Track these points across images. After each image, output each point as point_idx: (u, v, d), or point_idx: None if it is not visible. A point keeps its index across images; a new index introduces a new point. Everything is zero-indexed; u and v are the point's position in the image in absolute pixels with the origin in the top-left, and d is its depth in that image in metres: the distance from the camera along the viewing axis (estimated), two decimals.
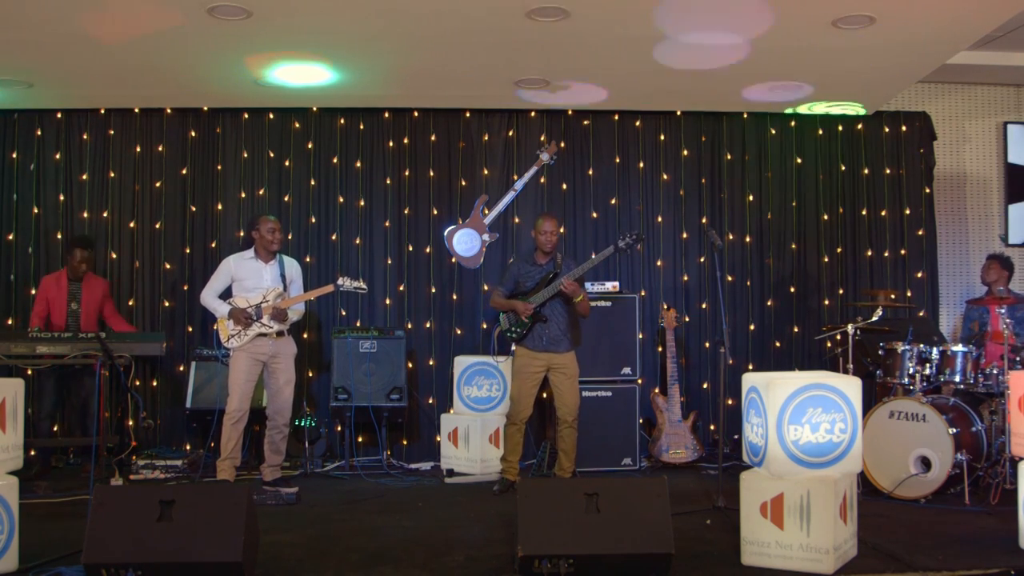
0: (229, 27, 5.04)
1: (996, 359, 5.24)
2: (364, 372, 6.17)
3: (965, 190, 7.39)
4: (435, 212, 6.85)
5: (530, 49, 5.50)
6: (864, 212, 7.11)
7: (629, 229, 6.75)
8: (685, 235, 7.02)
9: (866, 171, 7.13)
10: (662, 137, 7.05)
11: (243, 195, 6.78)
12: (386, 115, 6.87)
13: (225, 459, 5.41)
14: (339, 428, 6.43)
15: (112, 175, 6.72)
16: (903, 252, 7.08)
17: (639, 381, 6.21)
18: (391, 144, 6.87)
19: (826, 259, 7.09)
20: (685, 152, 7.06)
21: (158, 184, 6.73)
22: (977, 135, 7.41)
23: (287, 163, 6.82)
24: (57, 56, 5.54)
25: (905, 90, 7.00)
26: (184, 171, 6.76)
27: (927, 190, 7.14)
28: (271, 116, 6.81)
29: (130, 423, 6.11)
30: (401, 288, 6.80)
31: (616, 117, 6.99)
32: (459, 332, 6.80)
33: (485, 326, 6.79)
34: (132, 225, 6.71)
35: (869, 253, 7.10)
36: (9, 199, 6.63)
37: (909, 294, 7.02)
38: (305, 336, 6.63)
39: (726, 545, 4.01)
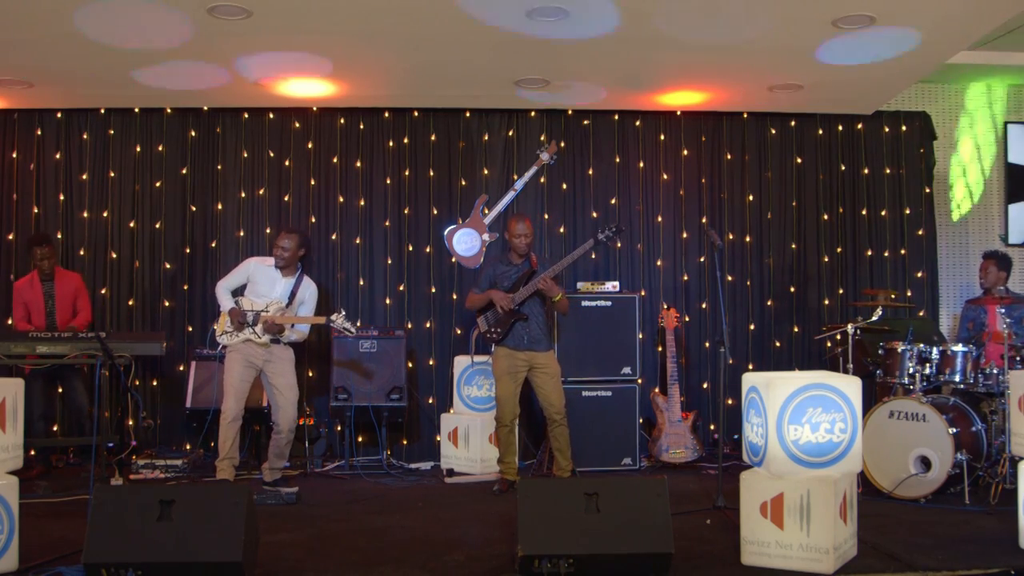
0: (229, 27, 5.04)
1: (996, 359, 5.24)
2: (364, 372, 6.17)
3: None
4: (435, 212, 6.85)
5: (530, 49, 5.50)
6: (864, 212, 7.12)
7: (630, 228, 6.79)
8: (685, 235, 7.02)
9: (866, 171, 7.13)
10: (662, 137, 7.05)
11: (243, 195, 6.78)
12: (386, 115, 6.87)
13: (224, 459, 5.41)
14: (339, 428, 6.43)
15: (112, 175, 6.72)
16: (903, 252, 7.08)
17: (639, 381, 6.20)
18: (391, 144, 6.87)
19: (826, 259, 7.09)
20: (685, 152, 7.06)
21: (158, 184, 6.73)
22: (977, 135, 7.40)
23: (287, 163, 6.82)
24: (57, 56, 5.54)
25: (905, 90, 7.00)
26: (184, 171, 6.76)
27: (927, 190, 7.14)
28: (271, 116, 6.81)
29: (130, 423, 6.11)
30: (401, 288, 6.80)
31: (616, 117, 6.99)
32: (459, 332, 6.79)
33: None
34: (132, 225, 6.71)
35: (869, 253, 7.10)
36: (9, 199, 6.64)
37: (909, 294, 7.02)
38: None
39: (726, 545, 4.01)
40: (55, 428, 6.23)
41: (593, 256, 6.77)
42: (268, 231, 6.67)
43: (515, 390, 5.37)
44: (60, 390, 6.13)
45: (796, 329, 7.04)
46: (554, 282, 5.24)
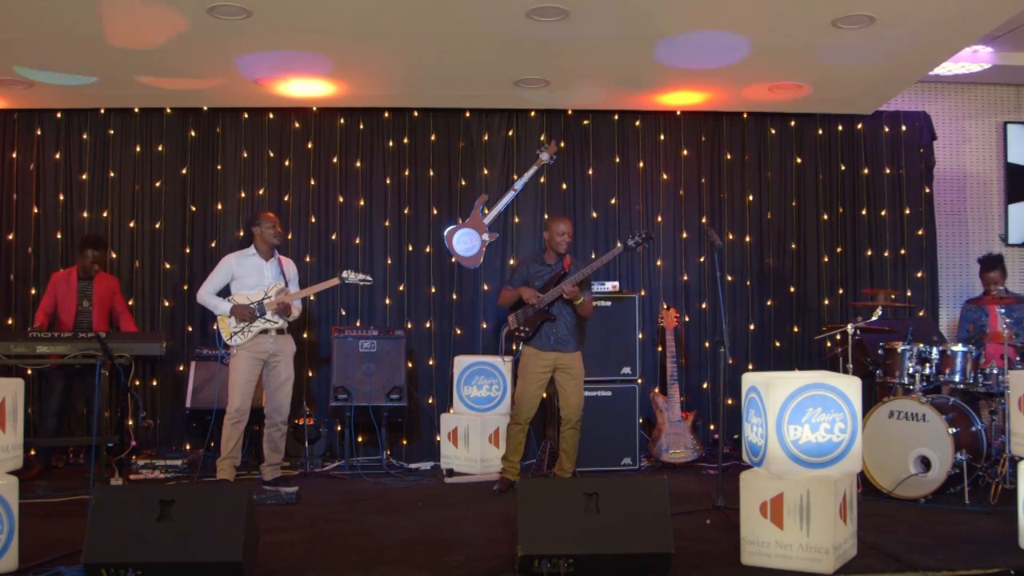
0: (229, 27, 5.04)
1: (996, 359, 5.24)
2: (364, 372, 6.18)
3: (965, 190, 7.39)
4: (435, 212, 6.85)
5: (530, 49, 5.50)
6: (864, 212, 7.12)
7: (631, 229, 6.77)
8: (685, 235, 7.02)
9: (866, 171, 7.13)
10: (662, 137, 7.05)
11: (243, 195, 6.79)
12: (386, 115, 6.87)
13: (225, 459, 5.42)
14: (339, 428, 6.43)
15: (112, 175, 6.73)
16: (903, 252, 7.08)
17: (639, 381, 6.21)
18: (391, 144, 6.87)
19: (826, 259, 7.09)
20: (685, 152, 7.06)
21: (158, 184, 6.74)
22: (977, 135, 7.41)
23: (287, 163, 6.82)
24: (57, 56, 5.54)
25: (905, 90, 7.00)
26: (184, 171, 6.76)
27: (927, 190, 7.14)
28: (271, 116, 6.81)
29: (130, 423, 6.11)
30: (401, 288, 6.80)
31: (616, 117, 6.99)
32: (459, 332, 6.80)
33: (485, 326, 6.80)
34: (132, 225, 6.71)
35: (869, 253, 7.10)
36: (9, 199, 6.64)
37: (909, 294, 7.02)
38: (305, 335, 6.64)
39: (726, 545, 4.01)
40: (64, 426, 6.21)
41: (593, 256, 6.77)
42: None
43: (537, 391, 5.36)
44: (71, 389, 6.10)
45: (796, 329, 7.04)
46: (577, 288, 5.24)
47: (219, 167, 6.79)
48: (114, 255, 6.67)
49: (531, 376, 5.33)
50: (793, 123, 7.12)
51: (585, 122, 6.99)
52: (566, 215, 6.04)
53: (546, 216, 6.53)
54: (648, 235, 5.37)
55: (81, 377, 5.96)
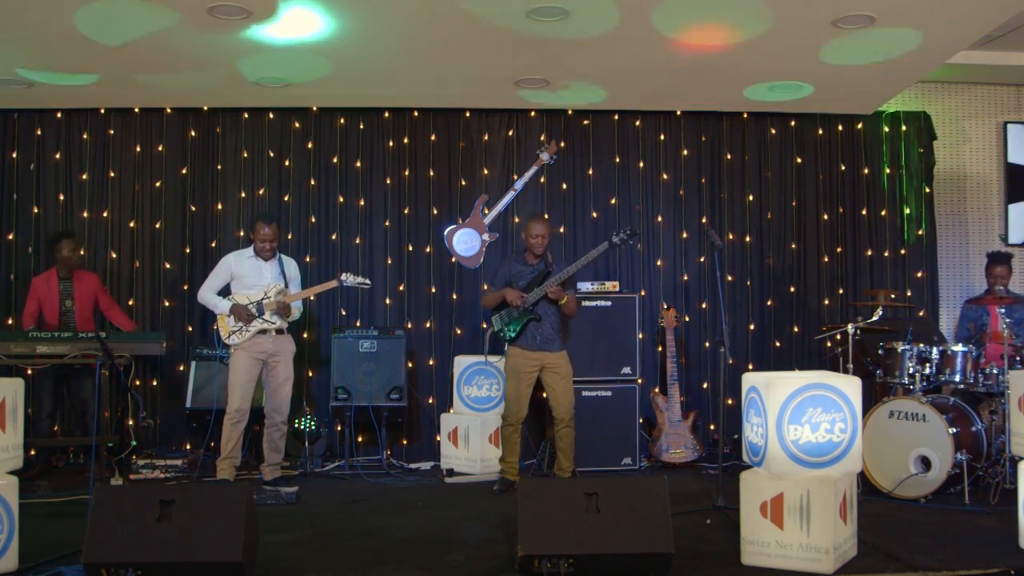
0: (229, 27, 5.04)
1: (996, 359, 5.24)
2: (364, 372, 6.18)
3: (965, 190, 7.39)
4: (435, 212, 6.85)
5: (530, 49, 5.50)
6: (864, 212, 7.11)
7: (630, 228, 6.77)
8: (685, 235, 7.02)
9: (866, 171, 7.13)
10: (662, 137, 7.05)
11: (243, 195, 6.78)
12: (386, 115, 6.87)
13: (225, 459, 5.43)
14: (339, 428, 6.43)
15: (112, 175, 6.72)
16: (903, 252, 7.08)
17: (639, 381, 6.20)
18: (391, 144, 6.87)
19: (826, 259, 7.09)
20: (685, 152, 7.06)
21: (158, 184, 6.73)
22: (977, 135, 7.41)
23: (287, 163, 6.82)
24: (56, 56, 5.54)
25: (905, 90, 7.00)
26: (184, 171, 6.76)
27: (927, 190, 7.14)
28: (271, 116, 6.81)
29: (130, 423, 6.11)
30: (401, 288, 6.80)
31: (616, 117, 6.99)
32: (459, 332, 6.80)
33: (485, 326, 6.79)
34: (132, 225, 6.71)
35: (869, 253, 7.10)
36: (9, 199, 6.63)
37: (909, 294, 7.02)
38: (305, 335, 6.63)
39: (726, 545, 4.01)
40: (55, 428, 6.22)
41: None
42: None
43: (525, 391, 5.36)
44: (63, 389, 6.11)
45: (796, 329, 7.04)
46: (561, 288, 5.24)
47: (219, 167, 6.79)
48: (114, 255, 6.67)
49: (519, 376, 5.34)
50: (793, 123, 7.12)
51: (585, 122, 6.99)
52: (543, 216, 5.92)
53: (546, 216, 6.52)
54: (633, 231, 5.38)
55: (74, 377, 5.94)
